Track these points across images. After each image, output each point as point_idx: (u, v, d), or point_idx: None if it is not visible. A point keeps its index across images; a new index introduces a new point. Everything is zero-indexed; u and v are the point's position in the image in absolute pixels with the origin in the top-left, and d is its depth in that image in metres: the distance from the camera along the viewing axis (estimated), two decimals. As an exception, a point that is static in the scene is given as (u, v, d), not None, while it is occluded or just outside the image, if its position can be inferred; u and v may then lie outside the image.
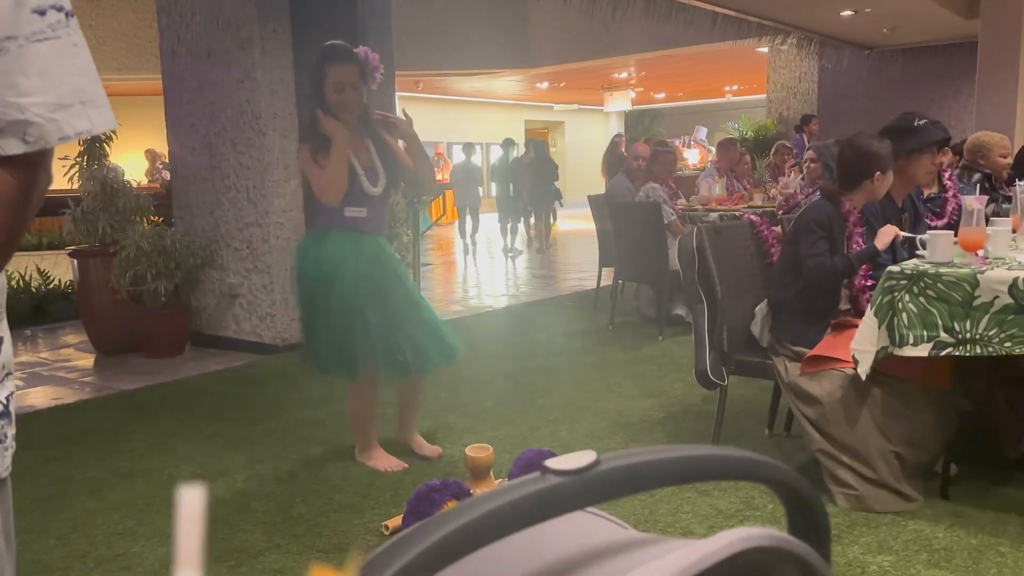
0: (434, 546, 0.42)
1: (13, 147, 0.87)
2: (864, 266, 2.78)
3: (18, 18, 0.85)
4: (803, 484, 0.56)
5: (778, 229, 3.39)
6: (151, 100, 7.81)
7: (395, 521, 2.44)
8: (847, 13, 8.99)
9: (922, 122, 2.86)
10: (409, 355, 2.83)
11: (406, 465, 2.99)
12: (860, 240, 2.78)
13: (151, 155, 11.98)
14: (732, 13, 8.77)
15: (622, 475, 0.52)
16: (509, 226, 11.08)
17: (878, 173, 2.75)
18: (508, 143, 12.11)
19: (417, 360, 2.86)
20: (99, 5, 12.41)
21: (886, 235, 2.68)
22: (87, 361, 5.04)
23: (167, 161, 6.16)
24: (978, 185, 3.70)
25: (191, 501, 0.34)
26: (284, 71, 4.97)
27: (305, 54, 5.28)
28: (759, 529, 0.47)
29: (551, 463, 0.51)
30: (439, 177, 15.49)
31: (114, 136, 5.18)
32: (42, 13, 0.87)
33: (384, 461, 3.01)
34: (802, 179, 6.76)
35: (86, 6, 12.37)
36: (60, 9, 0.89)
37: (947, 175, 3.61)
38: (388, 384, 3.08)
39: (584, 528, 0.62)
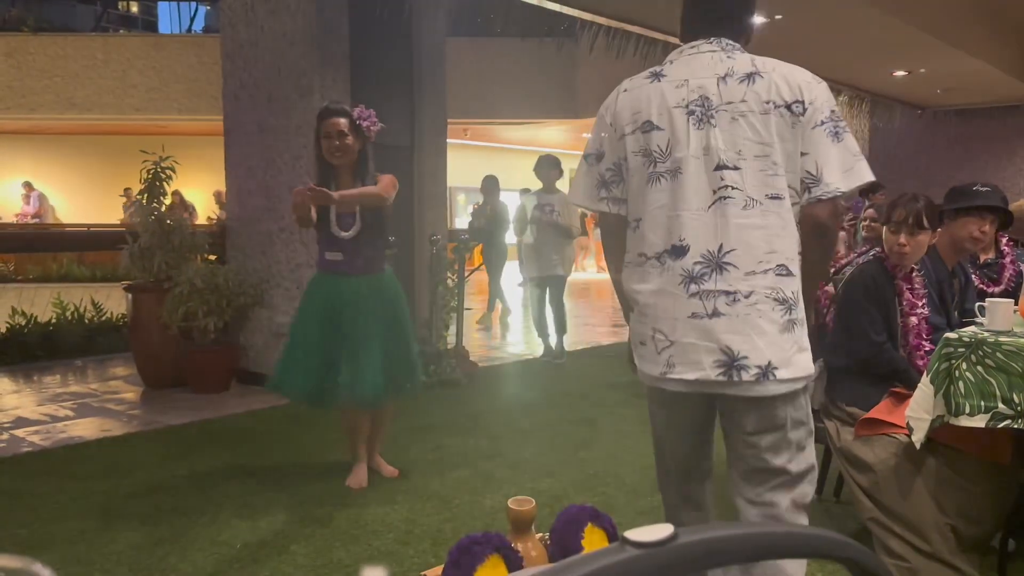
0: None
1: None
2: (921, 326, 2.72)
3: None
4: (883, 568, 0.56)
5: (830, 289, 3.35)
6: (210, 140, 8.06)
7: (435, 572, 2.41)
8: (900, 73, 8.97)
9: (983, 188, 2.84)
10: (364, 386, 3.11)
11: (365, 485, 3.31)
12: (911, 296, 2.73)
13: (218, 196, 12.38)
14: (782, 71, 8.80)
15: (701, 550, 0.52)
16: None
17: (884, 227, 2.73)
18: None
19: (375, 391, 3.14)
20: (164, 49, 12.94)
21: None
22: (135, 394, 5.13)
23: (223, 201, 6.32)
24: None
25: None
26: (341, 118, 5.10)
27: (362, 102, 5.41)
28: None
29: (630, 534, 0.51)
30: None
31: (174, 174, 5.36)
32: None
33: (355, 477, 3.34)
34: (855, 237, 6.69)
35: (151, 50, 12.91)
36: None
37: (1004, 240, 3.54)
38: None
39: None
